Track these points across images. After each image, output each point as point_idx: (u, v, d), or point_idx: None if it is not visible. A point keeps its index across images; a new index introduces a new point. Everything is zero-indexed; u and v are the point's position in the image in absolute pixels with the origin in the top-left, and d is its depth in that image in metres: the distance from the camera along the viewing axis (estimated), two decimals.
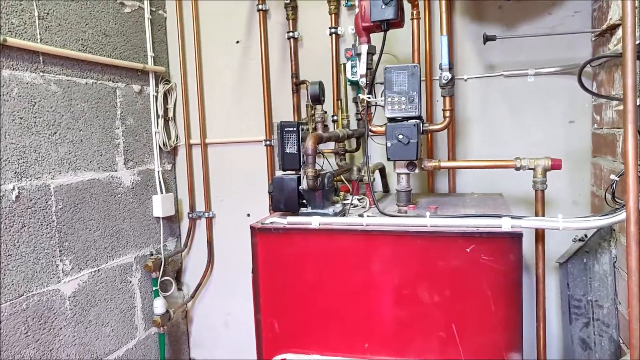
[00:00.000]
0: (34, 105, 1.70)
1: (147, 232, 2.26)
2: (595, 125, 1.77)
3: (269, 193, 1.53)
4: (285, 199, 1.51)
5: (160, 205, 2.29)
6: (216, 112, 2.39)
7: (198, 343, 2.55)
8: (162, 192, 2.32)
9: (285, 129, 1.53)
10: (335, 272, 1.38)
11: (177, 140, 2.44)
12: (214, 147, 2.41)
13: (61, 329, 1.79)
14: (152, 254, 2.28)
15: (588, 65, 1.76)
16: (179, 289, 2.48)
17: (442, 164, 1.57)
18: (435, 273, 1.28)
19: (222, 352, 2.49)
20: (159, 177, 2.32)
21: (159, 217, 2.31)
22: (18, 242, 1.62)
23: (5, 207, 1.58)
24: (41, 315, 1.71)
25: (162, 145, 2.35)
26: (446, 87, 1.54)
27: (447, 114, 1.57)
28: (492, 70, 1.94)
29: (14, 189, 1.61)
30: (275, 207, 1.54)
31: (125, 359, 2.11)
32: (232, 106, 2.35)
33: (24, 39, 1.65)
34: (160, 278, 2.28)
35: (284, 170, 1.54)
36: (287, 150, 1.54)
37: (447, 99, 1.57)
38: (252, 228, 1.44)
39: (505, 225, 1.22)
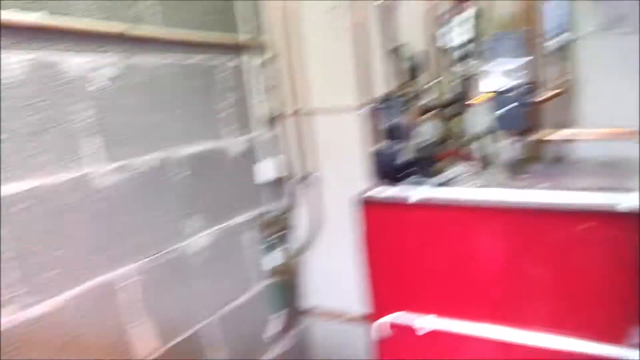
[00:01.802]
0: (155, 87, 1.86)
1: (256, 195, 2.44)
2: None
3: (372, 164, 1.57)
4: (387, 170, 1.55)
5: (266, 170, 2.45)
6: (315, 80, 2.44)
7: (310, 294, 2.73)
8: (267, 158, 2.47)
9: (387, 100, 1.55)
10: (439, 244, 1.41)
11: (278, 108, 2.54)
12: (313, 114, 2.48)
13: (192, 280, 2.02)
14: (262, 215, 2.47)
15: None
16: (287, 247, 2.66)
17: (554, 134, 1.51)
18: (547, 249, 1.26)
19: (332, 304, 2.65)
20: (263, 144, 2.47)
21: (265, 181, 2.47)
22: (155, 207, 1.85)
23: (142, 179, 1.79)
24: (179, 265, 1.94)
25: (264, 115, 2.47)
26: (558, 51, 1.45)
27: (561, 79, 1.49)
28: (612, 26, 1.77)
29: (144, 162, 1.81)
30: (378, 177, 1.58)
31: (245, 307, 2.34)
32: (330, 73, 2.39)
33: (143, 28, 1.81)
34: (271, 236, 2.48)
35: (387, 141, 1.57)
36: (389, 122, 1.56)
37: (561, 63, 1.48)
38: (355, 198, 1.51)
39: (627, 201, 1.16)
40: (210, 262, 2.12)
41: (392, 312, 1.53)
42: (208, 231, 2.12)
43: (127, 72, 1.74)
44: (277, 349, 2.54)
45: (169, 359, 1.88)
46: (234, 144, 2.31)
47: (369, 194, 1.50)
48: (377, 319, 1.56)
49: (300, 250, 2.66)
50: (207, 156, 2.12)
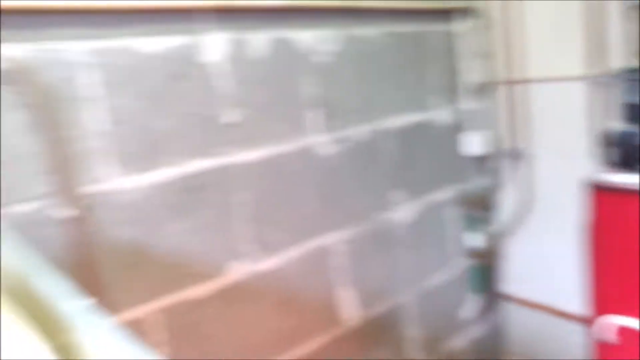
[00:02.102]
0: (369, 59, 1.91)
1: (461, 170, 2.36)
2: None
3: (603, 144, 1.40)
4: (626, 155, 1.36)
5: (474, 143, 2.34)
6: (533, 45, 2.21)
7: (510, 280, 2.59)
8: (475, 130, 2.36)
9: (630, 75, 1.34)
10: None
11: (490, 77, 2.40)
12: (531, 84, 2.26)
13: (393, 252, 2.07)
14: (466, 190, 2.39)
15: None
16: (492, 226, 2.55)
17: None
18: None
19: (534, 294, 2.47)
20: (471, 116, 2.36)
21: (473, 155, 2.38)
22: (365, 178, 1.92)
23: (355, 150, 1.88)
24: (382, 236, 2.01)
25: (473, 84, 2.36)
26: None
27: None
28: None
29: (357, 134, 1.89)
30: (611, 161, 1.40)
31: (442, 285, 2.32)
32: (553, 37, 2.14)
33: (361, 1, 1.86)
34: (474, 213, 2.39)
35: (627, 122, 1.37)
36: (632, 100, 1.35)
37: None
38: (587, 183, 1.36)
39: None
40: (411, 236, 2.14)
41: (616, 314, 1.36)
42: (411, 204, 2.14)
43: (346, 44, 1.83)
44: (472, 333, 2.48)
45: (369, 328, 1.98)
46: (442, 114, 2.25)
47: (601, 178, 1.33)
48: (597, 319, 1.40)
49: (505, 233, 2.51)
50: (415, 127, 2.12)
